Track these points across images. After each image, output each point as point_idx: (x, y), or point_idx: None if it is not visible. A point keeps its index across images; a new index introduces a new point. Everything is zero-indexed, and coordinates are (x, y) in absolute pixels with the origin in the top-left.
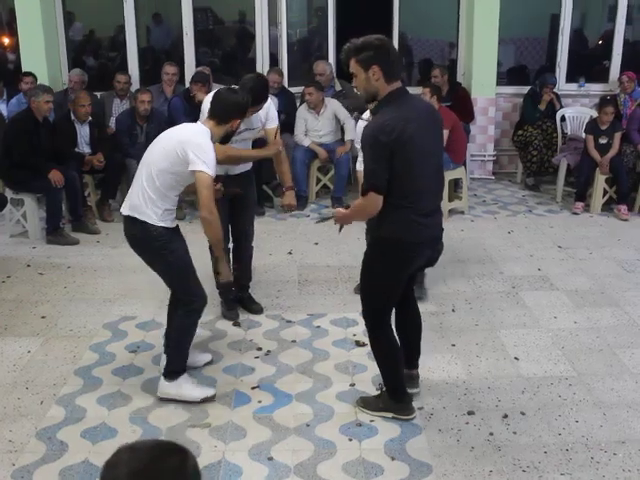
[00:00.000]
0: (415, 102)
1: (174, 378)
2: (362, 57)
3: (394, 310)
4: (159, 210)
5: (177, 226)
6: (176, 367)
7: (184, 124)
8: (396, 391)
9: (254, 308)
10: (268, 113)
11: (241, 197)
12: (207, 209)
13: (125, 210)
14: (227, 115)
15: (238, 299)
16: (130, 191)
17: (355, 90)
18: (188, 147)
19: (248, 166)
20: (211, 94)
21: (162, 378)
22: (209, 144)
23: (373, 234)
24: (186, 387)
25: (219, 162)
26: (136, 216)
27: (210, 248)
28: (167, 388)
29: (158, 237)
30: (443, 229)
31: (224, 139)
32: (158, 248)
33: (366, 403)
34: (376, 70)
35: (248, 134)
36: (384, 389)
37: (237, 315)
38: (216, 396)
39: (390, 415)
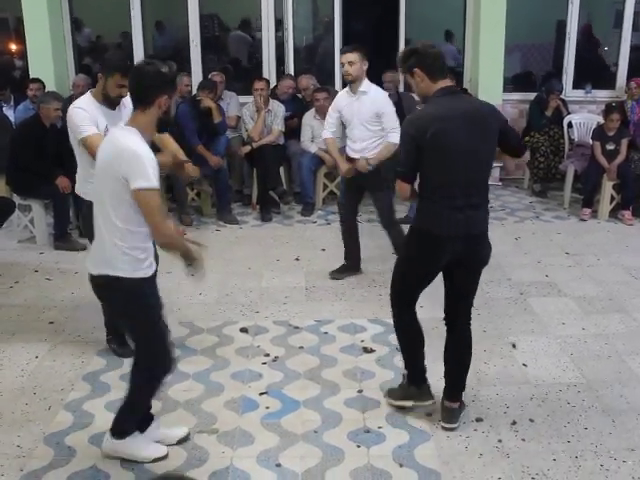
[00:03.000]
0: (457, 101)
1: (123, 437)
2: (407, 65)
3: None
4: (128, 256)
5: (155, 273)
6: (127, 428)
7: (107, 138)
8: (415, 377)
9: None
10: (126, 104)
11: None
12: (161, 234)
13: (93, 268)
14: (150, 94)
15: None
16: (92, 245)
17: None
18: (119, 163)
19: None
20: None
21: (108, 433)
22: (140, 147)
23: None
24: (135, 446)
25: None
26: (108, 272)
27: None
28: (114, 446)
29: (134, 292)
30: (485, 230)
31: (160, 126)
32: (134, 306)
33: (391, 392)
34: (419, 73)
35: None
36: (406, 378)
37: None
38: (225, 402)
39: (410, 404)
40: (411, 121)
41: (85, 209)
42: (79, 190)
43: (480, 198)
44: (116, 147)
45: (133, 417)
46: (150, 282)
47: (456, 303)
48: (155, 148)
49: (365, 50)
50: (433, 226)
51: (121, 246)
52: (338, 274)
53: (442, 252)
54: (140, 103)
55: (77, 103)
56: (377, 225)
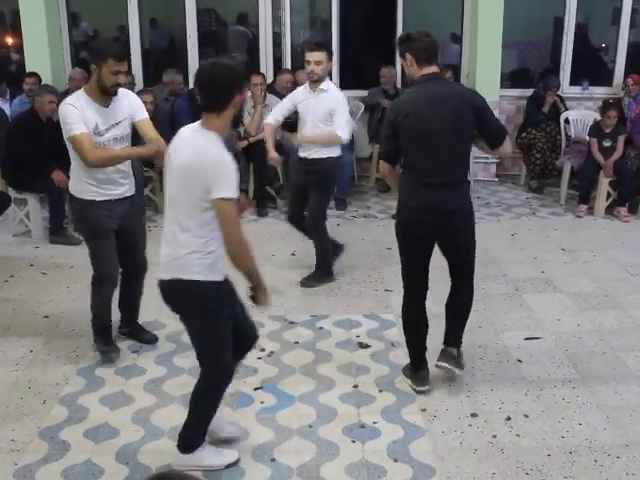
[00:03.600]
0: (434, 86)
1: (192, 451)
2: (401, 49)
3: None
4: (203, 260)
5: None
6: (195, 441)
7: (183, 140)
8: (412, 361)
9: (146, 337)
10: (131, 101)
11: (130, 227)
12: (235, 242)
13: (165, 273)
14: (225, 96)
15: (127, 333)
16: (163, 250)
17: None
18: (204, 171)
19: (131, 189)
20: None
21: (176, 450)
22: (225, 157)
23: None
24: (207, 456)
25: (95, 166)
26: (182, 277)
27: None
28: (184, 461)
29: (207, 295)
30: (461, 206)
31: (234, 124)
32: (205, 309)
33: (404, 369)
34: (409, 57)
35: (118, 130)
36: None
37: (117, 350)
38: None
39: (409, 382)
40: (392, 105)
41: (76, 206)
42: (73, 188)
43: (451, 177)
44: (199, 154)
45: (201, 431)
46: (223, 286)
47: (457, 272)
48: (135, 135)
49: (330, 48)
50: (408, 199)
51: (187, 251)
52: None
53: (418, 223)
54: (215, 107)
55: (68, 100)
56: (373, 220)
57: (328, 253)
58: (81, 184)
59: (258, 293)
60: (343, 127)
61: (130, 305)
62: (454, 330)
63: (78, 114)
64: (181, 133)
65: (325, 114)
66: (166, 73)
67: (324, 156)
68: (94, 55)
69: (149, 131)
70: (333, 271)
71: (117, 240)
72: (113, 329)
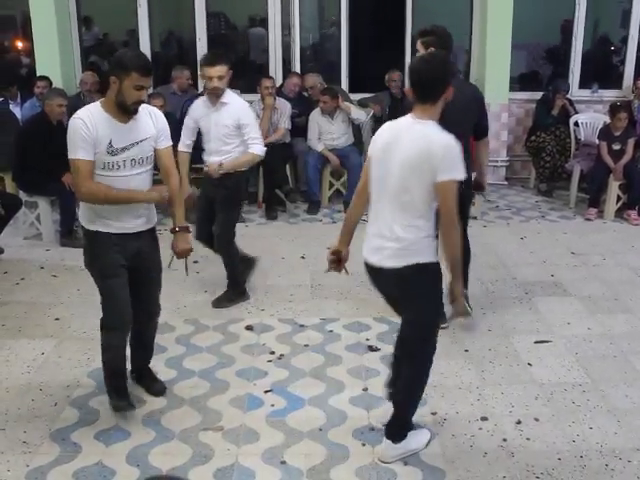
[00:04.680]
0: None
1: (405, 437)
2: (426, 40)
3: None
4: (429, 242)
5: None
6: (410, 425)
7: (406, 129)
8: None
9: (155, 389)
10: (158, 122)
11: (144, 267)
12: (454, 221)
13: (387, 259)
14: (440, 87)
15: (135, 379)
16: (375, 233)
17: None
18: (437, 157)
19: (150, 221)
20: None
21: (387, 441)
22: (453, 141)
23: None
24: (414, 439)
25: (84, 200)
26: (418, 261)
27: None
28: (397, 450)
29: (436, 276)
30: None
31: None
32: (435, 289)
33: None
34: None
35: (136, 151)
36: None
37: (132, 407)
38: (230, 399)
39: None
40: None
41: (84, 237)
42: (80, 215)
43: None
44: (431, 143)
45: (414, 409)
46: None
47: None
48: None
49: (228, 59)
50: None
51: (424, 234)
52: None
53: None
54: (431, 99)
55: (80, 113)
56: None
57: (238, 270)
58: (89, 211)
59: (454, 286)
60: (256, 141)
61: (141, 347)
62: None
63: (85, 135)
64: (394, 127)
65: (230, 128)
66: (175, 69)
67: (232, 170)
68: (116, 66)
69: (167, 161)
70: (246, 288)
71: (130, 278)
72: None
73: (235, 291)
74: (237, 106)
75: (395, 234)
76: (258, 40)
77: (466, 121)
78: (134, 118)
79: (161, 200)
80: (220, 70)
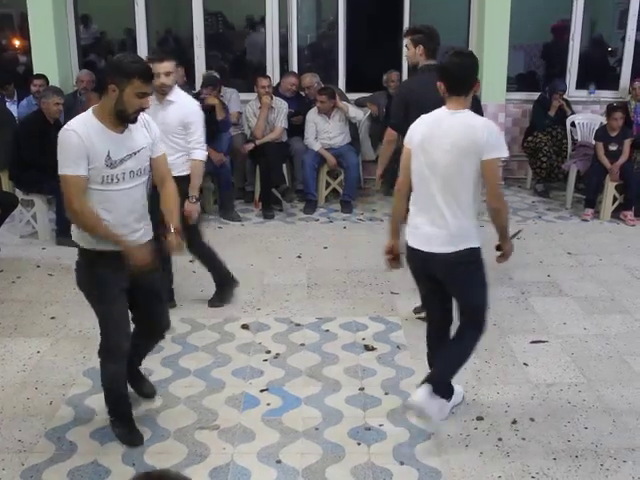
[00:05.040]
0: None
1: (452, 392)
2: (416, 38)
3: None
4: (477, 226)
5: None
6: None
7: (447, 118)
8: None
9: (146, 391)
10: (151, 130)
11: (146, 282)
12: (497, 196)
13: (441, 246)
14: (470, 82)
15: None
16: (424, 222)
17: None
18: (481, 139)
19: (148, 233)
20: None
21: (442, 400)
22: (492, 123)
23: None
24: (455, 394)
25: (70, 218)
26: (471, 245)
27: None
28: (447, 407)
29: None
30: None
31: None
32: (482, 271)
33: (416, 309)
34: (421, 48)
35: (134, 162)
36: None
37: (140, 437)
38: (226, 398)
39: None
40: (403, 85)
41: (78, 255)
42: (72, 229)
43: None
44: (474, 127)
45: (458, 370)
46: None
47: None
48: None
49: (175, 57)
50: None
51: (471, 219)
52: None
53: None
54: (463, 91)
55: (72, 124)
56: (379, 223)
57: (218, 266)
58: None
59: (505, 246)
60: (199, 145)
61: (138, 354)
62: None
63: (77, 149)
64: (431, 120)
65: (177, 127)
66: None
67: (184, 173)
68: (115, 73)
69: (163, 168)
70: (233, 276)
71: (134, 296)
72: None
73: (225, 288)
74: (185, 104)
75: (447, 221)
76: (256, 43)
77: None
78: (129, 128)
79: (145, 263)
80: (168, 66)
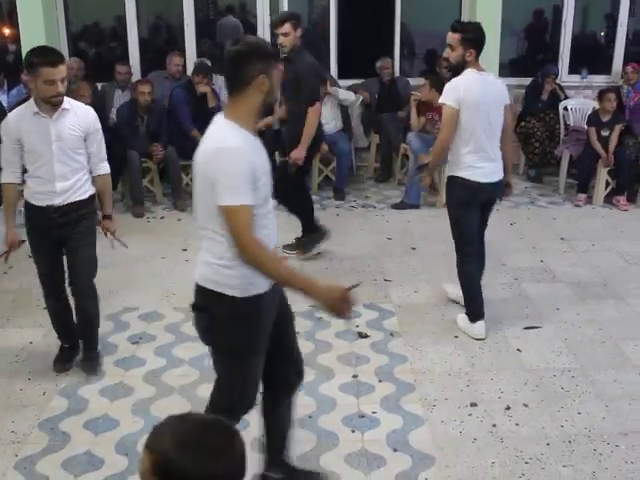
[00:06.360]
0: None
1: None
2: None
3: None
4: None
5: None
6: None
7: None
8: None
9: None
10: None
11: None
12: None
13: (499, 175)
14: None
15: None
16: (482, 158)
17: None
18: (506, 89)
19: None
20: None
21: (463, 316)
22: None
23: None
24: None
25: (258, 269)
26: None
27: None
28: (466, 325)
29: None
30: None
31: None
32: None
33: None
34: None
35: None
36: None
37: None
38: None
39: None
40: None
41: None
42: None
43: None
44: (502, 84)
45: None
46: None
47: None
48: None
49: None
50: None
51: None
52: None
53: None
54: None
55: (232, 141)
56: (371, 210)
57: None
58: (246, 268)
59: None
60: (104, 160)
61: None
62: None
63: (249, 171)
64: (480, 80)
65: (76, 141)
66: (169, 56)
67: (88, 194)
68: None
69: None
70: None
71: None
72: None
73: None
74: (81, 112)
75: (497, 155)
76: (230, 30)
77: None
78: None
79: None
80: (64, 70)
